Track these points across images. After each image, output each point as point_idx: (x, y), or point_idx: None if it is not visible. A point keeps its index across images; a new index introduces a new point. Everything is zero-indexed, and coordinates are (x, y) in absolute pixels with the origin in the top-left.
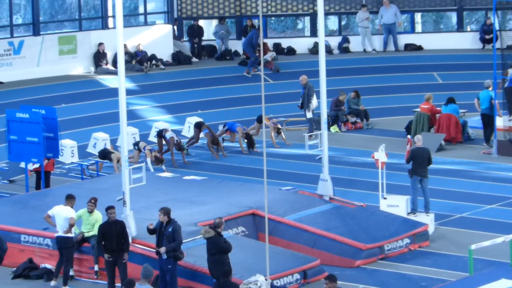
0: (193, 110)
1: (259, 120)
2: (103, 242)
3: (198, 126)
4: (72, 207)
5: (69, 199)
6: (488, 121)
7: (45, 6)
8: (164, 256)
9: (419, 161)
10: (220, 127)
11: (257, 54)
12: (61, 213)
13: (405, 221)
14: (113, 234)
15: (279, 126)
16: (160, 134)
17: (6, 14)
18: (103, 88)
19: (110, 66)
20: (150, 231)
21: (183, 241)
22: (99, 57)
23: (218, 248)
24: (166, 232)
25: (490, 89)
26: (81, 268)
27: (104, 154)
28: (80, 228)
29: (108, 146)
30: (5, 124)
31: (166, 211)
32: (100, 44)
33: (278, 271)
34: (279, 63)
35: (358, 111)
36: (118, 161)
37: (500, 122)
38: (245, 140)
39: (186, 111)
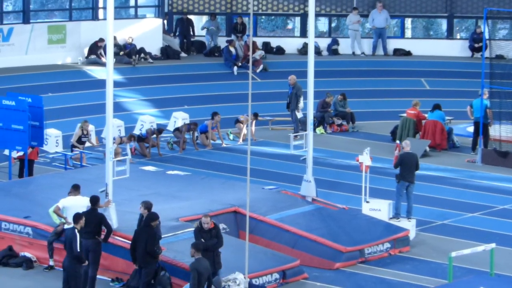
0: (179, 105)
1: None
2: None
3: None
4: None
5: (78, 189)
6: (482, 129)
7: None
8: None
9: (407, 167)
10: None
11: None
12: (78, 203)
13: (387, 225)
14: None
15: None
16: (140, 138)
17: None
18: (91, 79)
19: (104, 59)
20: None
21: (164, 235)
22: (95, 48)
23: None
24: None
25: (485, 97)
26: (61, 258)
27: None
28: (61, 218)
29: (93, 138)
30: None
31: (147, 205)
32: (101, 40)
33: (257, 270)
34: (268, 62)
35: (345, 113)
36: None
37: (492, 131)
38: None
39: (173, 105)
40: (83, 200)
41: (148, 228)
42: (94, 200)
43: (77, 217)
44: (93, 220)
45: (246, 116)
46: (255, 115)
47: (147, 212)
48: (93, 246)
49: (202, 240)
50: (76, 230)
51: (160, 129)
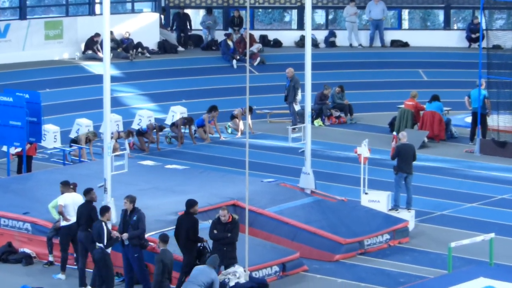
0: (177, 99)
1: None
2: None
3: None
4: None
5: (68, 185)
6: (480, 119)
7: None
8: (126, 242)
9: (404, 158)
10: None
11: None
12: (76, 200)
13: (386, 216)
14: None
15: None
16: (139, 132)
17: None
18: (88, 74)
19: (100, 54)
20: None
21: (163, 230)
22: (92, 43)
23: None
24: (131, 221)
25: (483, 87)
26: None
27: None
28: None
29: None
30: None
31: (132, 199)
32: (97, 35)
33: (257, 262)
34: (265, 55)
35: (342, 105)
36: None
37: (490, 121)
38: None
39: (170, 100)
40: (80, 197)
41: (188, 216)
42: (85, 193)
43: (104, 209)
44: (85, 212)
45: (240, 109)
46: (250, 110)
47: (132, 207)
48: (85, 238)
49: (215, 231)
50: (103, 223)
51: (161, 126)
